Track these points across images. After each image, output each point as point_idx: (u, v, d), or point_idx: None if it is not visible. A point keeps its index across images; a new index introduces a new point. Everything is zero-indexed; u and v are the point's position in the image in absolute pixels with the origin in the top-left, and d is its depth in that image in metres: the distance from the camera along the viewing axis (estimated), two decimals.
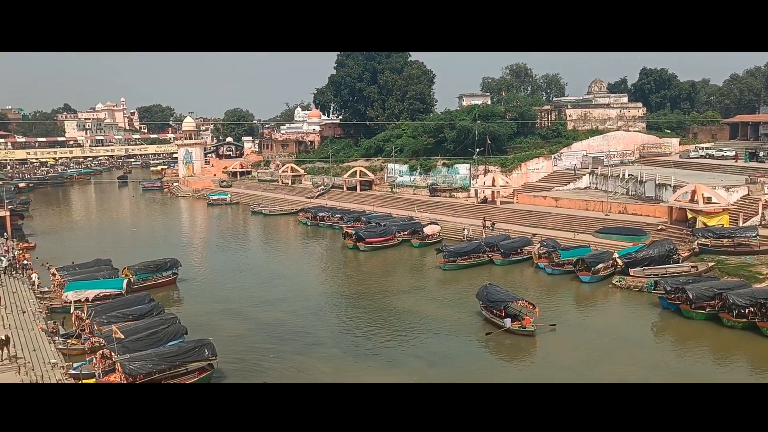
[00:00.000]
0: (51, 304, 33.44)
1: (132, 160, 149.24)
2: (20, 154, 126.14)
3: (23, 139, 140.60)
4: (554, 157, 64.98)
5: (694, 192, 42.04)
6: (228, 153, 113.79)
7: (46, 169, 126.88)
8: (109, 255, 41.63)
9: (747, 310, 27.29)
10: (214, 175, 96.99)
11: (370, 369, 24.95)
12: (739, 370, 24.48)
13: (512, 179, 61.16)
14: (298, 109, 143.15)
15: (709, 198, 41.47)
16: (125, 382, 22.23)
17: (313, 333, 29.45)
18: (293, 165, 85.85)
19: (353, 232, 49.13)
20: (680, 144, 71.71)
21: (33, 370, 22.99)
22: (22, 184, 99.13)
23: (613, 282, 35.29)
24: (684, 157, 63.86)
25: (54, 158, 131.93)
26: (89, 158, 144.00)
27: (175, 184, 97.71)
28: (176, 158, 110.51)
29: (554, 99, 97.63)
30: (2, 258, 40.48)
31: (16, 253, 44.00)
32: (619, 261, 36.54)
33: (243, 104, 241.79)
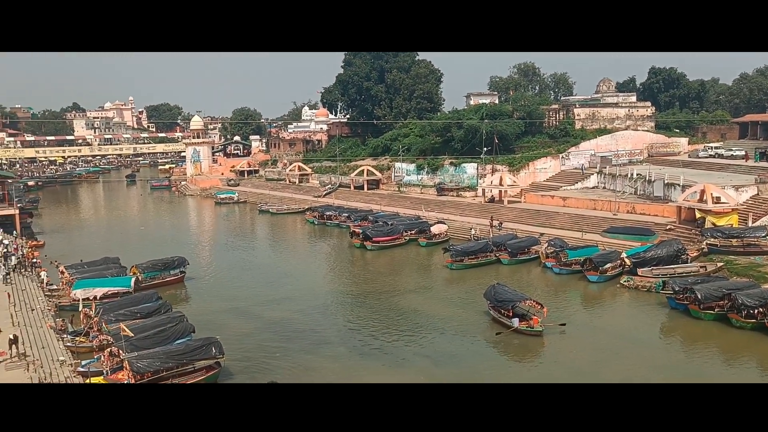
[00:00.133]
0: (59, 302, 33.70)
1: (140, 158, 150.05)
2: (29, 152, 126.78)
3: (32, 138, 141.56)
4: (562, 157, 64.73)
5: (702, 192, 41.76)
6: (236, 152, 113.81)
7: (55, 167, 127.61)
8: (117, 253, 41.81)
9: (756, 311, 27.12)
10: (222, 173, 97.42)
11: (376, 368, 24.94)
12: (748, 371, 24.32)
13: (520, 179, 61.01)
14: (306, 108, 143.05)
15: (718, 198, 41.19)
16: (133, 379, 22.33)
17: (320, 332, 29.49)
18: (300, 164, 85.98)
19: (360, 231, 49.10)
20: (689, 143, 71.36)
21: (41, 367, 23.08)
22: (31, 183, 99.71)
23: (621, 282, 35.13)
24: (693, 157, 63.47)
25: (63, 157, 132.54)
26: (98, 157, 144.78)
27: (182, 182, 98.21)
28: (184, 157, 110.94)
29: (562, 98, 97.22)
30: (12, 256, 40.77)
31: (25, 251, 44.24)
32: (627, 261, 36.35)
33: (251, 103, 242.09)
